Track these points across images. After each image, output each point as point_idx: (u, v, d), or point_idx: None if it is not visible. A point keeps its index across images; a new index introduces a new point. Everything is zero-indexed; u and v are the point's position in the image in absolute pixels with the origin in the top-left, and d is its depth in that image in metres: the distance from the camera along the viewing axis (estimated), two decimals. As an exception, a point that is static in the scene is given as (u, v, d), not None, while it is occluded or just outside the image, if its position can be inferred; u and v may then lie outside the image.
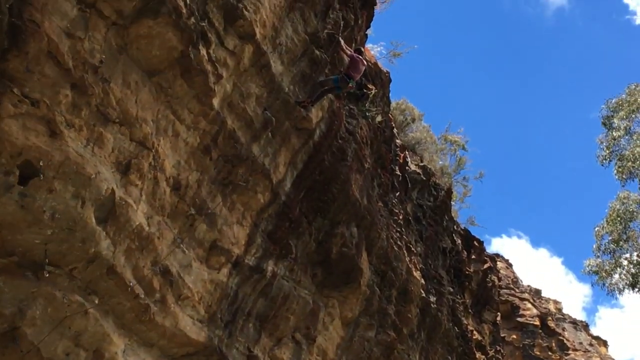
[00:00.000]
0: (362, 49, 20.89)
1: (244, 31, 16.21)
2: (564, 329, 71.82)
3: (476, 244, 45.22)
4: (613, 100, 35.79)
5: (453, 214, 40.10)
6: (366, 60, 21.35)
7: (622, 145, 34.95)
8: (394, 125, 31.35)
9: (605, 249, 34.70)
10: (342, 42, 20.34)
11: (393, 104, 34.20)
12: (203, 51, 14.89)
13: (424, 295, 30.73)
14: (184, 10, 13.83)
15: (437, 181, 37.00)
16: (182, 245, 16.18)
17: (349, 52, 20.08)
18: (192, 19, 14.24)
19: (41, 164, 11.70)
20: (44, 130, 11.71)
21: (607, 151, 35.28)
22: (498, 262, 54.85)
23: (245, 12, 15.99)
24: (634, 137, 34.63)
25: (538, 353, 66.34)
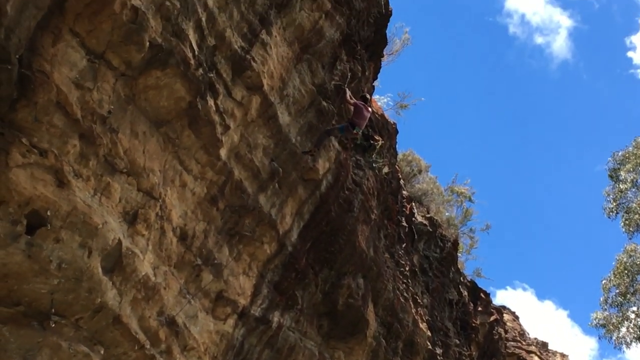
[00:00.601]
0: (368, 96, 20.95)
1: (251, 82, 16.30)
2: (571, 383, 71.11)
3: (483, 295, 44.93)
4: (620, 153, 35.75)
5: (459, 266, 39.92)
6: (373, 111, 21.42)
7: (629, 198, 34.90)
8: (400, 176, 31.37)
9: (612, 302, 34.47)
10: (348, 92, 20.39)
11: (400, 155, 34.23)
12: (211, 102, 14.97)
13: (430, 347, 30.53)
14: (192, 61, 13.93)
15: (444, 233, 36.90)
16: (188, 296, 16.14)
17: (352, 101, 20.12)
18: (200, 70, 14.33)
19: (48, 213, 11.71)
20: (51, 180, 11.74)
21: (614, 204, 35.21)
22: (505, 315, 54.47)
23: (253, 64, 16.09)
24: (641, 190, 34.59)
25: (545, 406, 65.64)
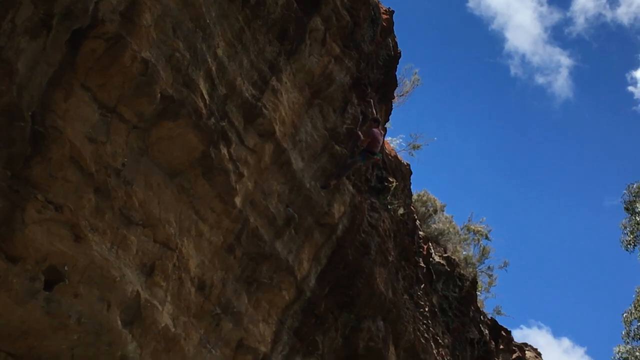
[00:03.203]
0: (379, 118, 21.17)
1: (263, 129, 16.33)
2: (596, 418, 70.40)
3: (504, 333, 44.57)
4: (635, 185, 35.68)
5: (479, 304, 39.64)
6: (386, 153, 21.51)
7: (646, 230, 34.74)
8: (416, 217, 31.28)
9: (634, 334, 34.23)
10: (361, 134, 20.45)
11: (414, 196, 34.12)
12: (224, 150, 14.97)
13: (453, 387, 30.30)
14: (204, 111, 13.96)
15: (462, 272, 36.66)
16: (208, 345, 16.05)
17: (368, 138, 20.25)
18: (212, 119, 14.36)
19: (66, 268, 11.72)
20: (68, 235, 11.74)
21: (632, 236, 35.06)
22: (527, 352, 54.07)
23: (265, 111, 16.13)
24: (658, 221, 34.45)
25: None
